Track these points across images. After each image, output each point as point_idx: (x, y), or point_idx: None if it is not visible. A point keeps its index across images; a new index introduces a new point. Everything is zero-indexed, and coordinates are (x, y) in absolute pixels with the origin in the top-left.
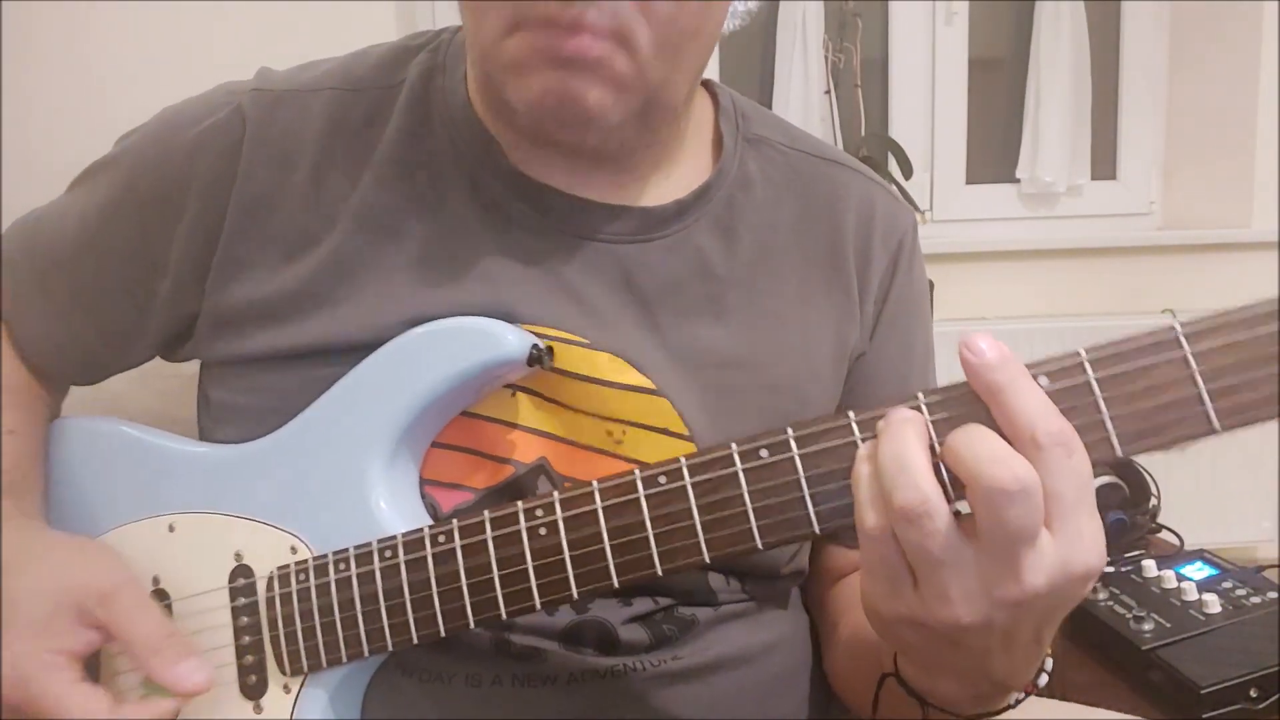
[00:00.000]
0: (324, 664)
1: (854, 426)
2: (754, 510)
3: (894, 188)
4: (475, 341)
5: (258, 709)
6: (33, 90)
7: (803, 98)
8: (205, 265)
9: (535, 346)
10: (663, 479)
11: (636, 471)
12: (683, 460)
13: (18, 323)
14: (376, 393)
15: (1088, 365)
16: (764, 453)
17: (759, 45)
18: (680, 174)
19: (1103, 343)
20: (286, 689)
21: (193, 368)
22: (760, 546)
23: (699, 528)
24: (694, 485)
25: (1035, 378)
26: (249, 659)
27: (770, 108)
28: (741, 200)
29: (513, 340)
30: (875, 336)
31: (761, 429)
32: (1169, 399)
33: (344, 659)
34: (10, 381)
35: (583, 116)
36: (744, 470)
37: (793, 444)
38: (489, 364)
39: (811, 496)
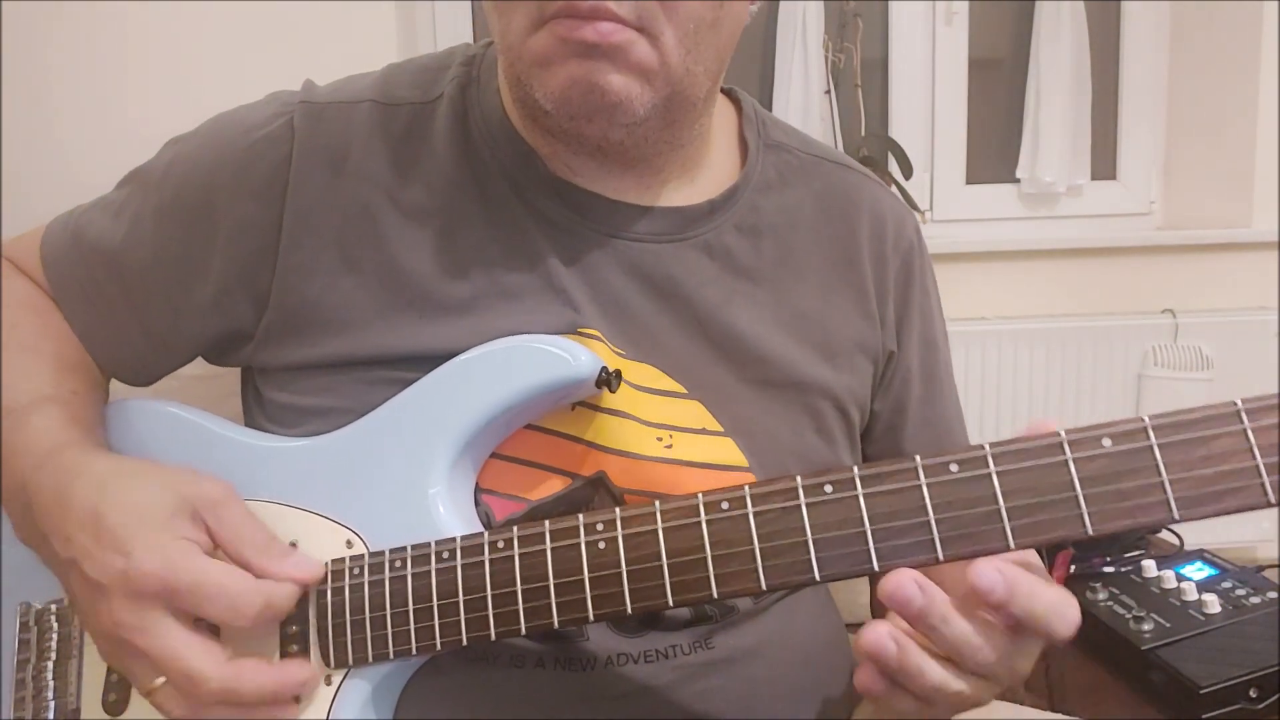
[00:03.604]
0: (370, 659)
1: (920, 470)
2: (814, 543)
3: (894, 188)
4: (549, 360)
5: (296, 699)
6: (35, 92)
7: (803, 98)
8: (252, 272)
9: (604, 369)
10: (725, 504)
11: (700, 495)
12: (746, 489)
13: (64, 314)
14: (447, 400)
15: (1150, 431)
16: (828, 488)
17: (759, 45)
18: (708, 177)
19: (1166, 412)
20: (328, 681)
21: (191, 369)
22: (818, 579)
23: (758, 556)
24: (756, 514)
25: (1100, 439)
26: (293, 649)
27: (770, 108)
28: (764, 203)
29: (585, 360)
30: (902, 335)
31: (786, 421)
32: (1227, 469)
33: (390, 655)
34: (66, 353)
35: (608, 103)
36: (807, 504)
37: (858, 483)
38: (560, 383)
39: (873, 534)
